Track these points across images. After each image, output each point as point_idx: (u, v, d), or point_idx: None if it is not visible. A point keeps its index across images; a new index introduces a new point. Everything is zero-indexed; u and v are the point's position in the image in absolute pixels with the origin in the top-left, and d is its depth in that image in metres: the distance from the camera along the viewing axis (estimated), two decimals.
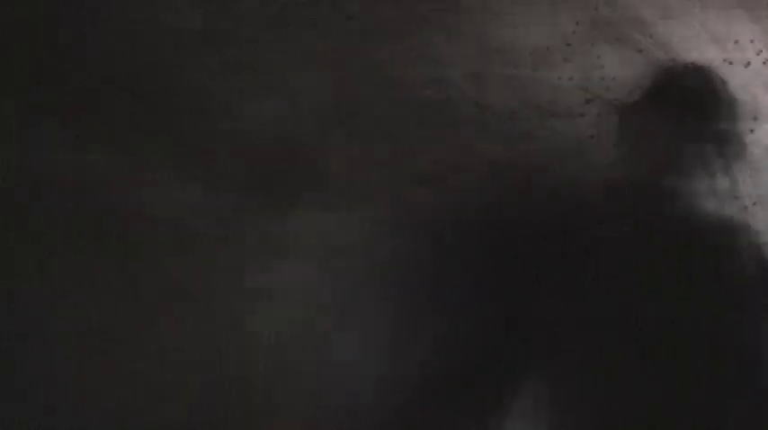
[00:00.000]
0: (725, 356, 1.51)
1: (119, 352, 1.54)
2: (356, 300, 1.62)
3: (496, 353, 1.60)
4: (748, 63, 1.88)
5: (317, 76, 1.66)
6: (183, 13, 1.61)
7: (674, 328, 1.51)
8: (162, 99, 1.59)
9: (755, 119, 1.95)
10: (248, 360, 1.58)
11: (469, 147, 1.69)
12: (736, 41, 1.89)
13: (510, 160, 1.68)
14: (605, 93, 1.73)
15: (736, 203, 1.82)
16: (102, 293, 1.55)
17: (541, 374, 1.57)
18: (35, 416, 1.49)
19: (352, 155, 1.66)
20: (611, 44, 1.79)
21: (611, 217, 1.58)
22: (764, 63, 1.93)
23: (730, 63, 1.87)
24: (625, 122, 1.68)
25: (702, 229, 1.58)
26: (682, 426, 1.52)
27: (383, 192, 1.66)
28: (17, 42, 1.53)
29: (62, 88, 1.55)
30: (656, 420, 1.49)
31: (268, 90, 1.64)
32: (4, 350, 1.48)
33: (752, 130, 2.04)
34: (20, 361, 1.49)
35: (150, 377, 1.54)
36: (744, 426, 1.53)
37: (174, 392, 1.55)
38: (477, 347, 1.60)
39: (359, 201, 1.65)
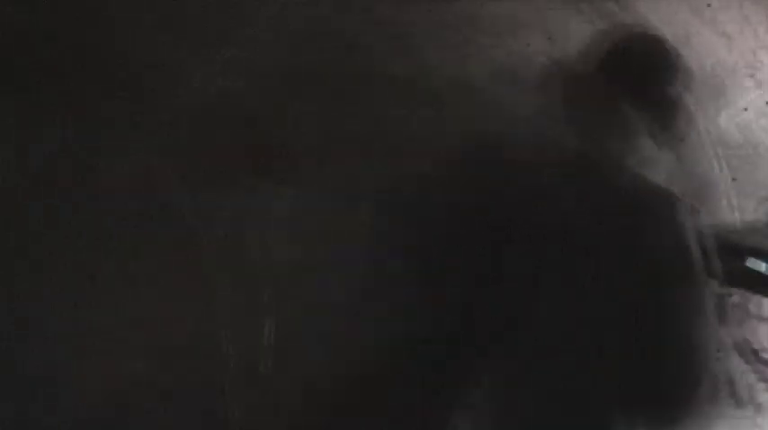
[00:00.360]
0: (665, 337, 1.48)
1: (119, 351, 1.53)
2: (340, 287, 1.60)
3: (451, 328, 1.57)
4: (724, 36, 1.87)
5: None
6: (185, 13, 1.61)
7: (625, 308, 1.45)
8: (163, 99, 1.59)
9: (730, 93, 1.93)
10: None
11: (438, 119, 1.68)
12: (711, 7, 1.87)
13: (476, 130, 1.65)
14: (570, 61, 1.70)
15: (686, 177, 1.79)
16: (102, 293, 1.55)
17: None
18: (35, 416, 1.49)
19: (324, 132, 1.65)
20: (580, 13, 1.77)
21: (561, 190, 1.52)
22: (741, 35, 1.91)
23: (705, 36, 1.86)
24: (576, 90, 1.62)
25: (645, 203, 1.50)
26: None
27: (353, 167, 1.66)
28: (18, 42, 1.53)
29: (62, 88, 1.56)
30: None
31: (269, 91, 1.65)
32: (4, 350, 1.48)
33: (742, 107, 2.02)
34: (20, 361, 1.49)
35: (151, 377, 1.54)
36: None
37: (173, 390, 1.55)
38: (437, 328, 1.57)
39: (331, 176, 1.64)
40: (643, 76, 1.65)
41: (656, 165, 1.57)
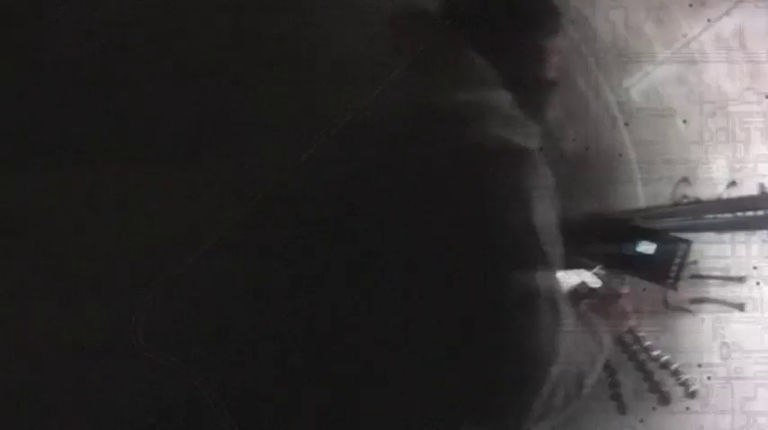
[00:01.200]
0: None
1: (118, 350, 1.53)
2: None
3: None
4: None
5: None
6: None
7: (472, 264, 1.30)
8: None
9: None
10: None
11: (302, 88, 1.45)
12: None
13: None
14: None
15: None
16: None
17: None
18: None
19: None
20: None
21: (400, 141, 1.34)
22: None
23: None
24: (423, 40, 1.45)
25: (493, 158, 1.35)
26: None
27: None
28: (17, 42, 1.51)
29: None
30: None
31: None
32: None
33: (648, 72, 2.00)
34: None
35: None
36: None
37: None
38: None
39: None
40: (499, 24, 1.50)
41: (522, 125, 1.42)
